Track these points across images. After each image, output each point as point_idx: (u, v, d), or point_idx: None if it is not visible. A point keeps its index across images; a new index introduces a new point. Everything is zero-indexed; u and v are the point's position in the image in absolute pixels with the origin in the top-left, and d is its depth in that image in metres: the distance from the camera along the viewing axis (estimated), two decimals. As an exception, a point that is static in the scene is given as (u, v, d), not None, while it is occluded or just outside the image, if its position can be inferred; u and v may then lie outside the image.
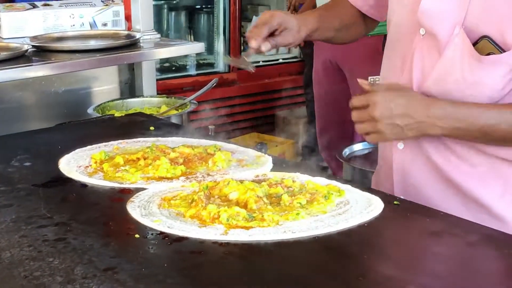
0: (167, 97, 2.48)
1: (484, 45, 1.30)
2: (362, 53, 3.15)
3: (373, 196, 1.32)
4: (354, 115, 1.39)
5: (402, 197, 1.39)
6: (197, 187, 1.37)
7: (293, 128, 5.20)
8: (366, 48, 3.02)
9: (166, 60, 5.01)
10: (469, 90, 1.32)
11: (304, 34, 1.61)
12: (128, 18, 2.56)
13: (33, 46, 2.17)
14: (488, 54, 1.30)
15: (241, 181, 1.36)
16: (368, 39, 3.07)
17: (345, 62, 3.42)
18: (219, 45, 5.29)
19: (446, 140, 1.39)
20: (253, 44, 1.55)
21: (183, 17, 5.42)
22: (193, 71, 5.22)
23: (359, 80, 1.41)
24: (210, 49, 5.22)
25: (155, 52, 2.32)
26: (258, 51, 1.56)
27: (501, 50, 1.29)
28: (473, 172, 1.38)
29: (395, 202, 1.29)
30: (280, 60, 5.86)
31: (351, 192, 1.34)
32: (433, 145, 1.41)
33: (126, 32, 2.43)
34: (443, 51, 1.34)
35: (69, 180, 1.44)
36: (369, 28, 1.76)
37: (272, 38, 1.56)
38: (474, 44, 1.31)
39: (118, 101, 2.38)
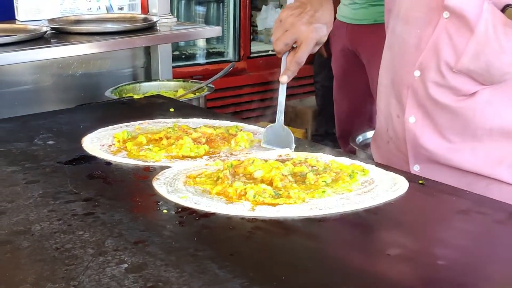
0: (184, 81, 2.48)
1: (510, 12, 1.35)
2: (379, 40, 3.14)
3: (398, 175, 1.32)
4: None
5: (417, 166, 1.46)
6: (221, 166, 1.37)
7: (303, 117, 5.21)
8: (383, 35, 3.02)
9: (176, 48, 5.01)
10: (508, 57, 1.37)
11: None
12: (143, 3, 2.57)
13: (52, 28, 2.18)
14: None
15: (265, 160, 1.37)
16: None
17: (362, 49, 3.42)
18: (229, 34, 5.29)
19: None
20: (285, 80, 1.54)
21: (193, 5, 5.42)
22: (202, 60, 5.23)
23: None
24: (220, 37, 5.22)
25: (173, 35, 2.32)
26: None
27: None
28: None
29: (420, 182, 1.30)
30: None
31: (376, 172, 1.35)
32: (443, 119, 1.47)
33: (143, 16, 2.43)
34: (474, 28, 1.37)
35: (93, 158, 1.45)
36: None
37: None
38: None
39: (135, 85, 2.39)
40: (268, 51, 5.70)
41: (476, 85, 1.44)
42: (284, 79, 1.53)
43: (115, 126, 1.66)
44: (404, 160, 1.55)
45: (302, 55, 1.50)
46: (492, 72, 1.40)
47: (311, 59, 5.32)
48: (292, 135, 1.52)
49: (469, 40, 1.39)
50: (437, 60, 1.46)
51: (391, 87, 1.61)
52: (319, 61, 4.51)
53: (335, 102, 3.76)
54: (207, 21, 5.40)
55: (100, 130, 1.62)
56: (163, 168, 1.38)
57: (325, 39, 1.54)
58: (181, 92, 2.39)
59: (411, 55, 1.52)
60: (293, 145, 1.51)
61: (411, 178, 1.31)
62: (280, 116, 1.53)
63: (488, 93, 1.43)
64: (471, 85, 1.44)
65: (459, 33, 1.40)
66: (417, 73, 1.51)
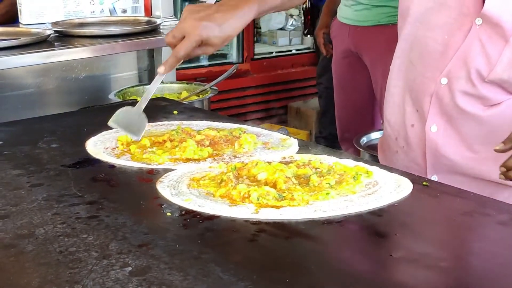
0: (187, 83, 2.49)
1: None
2: (382, 42, 3.14)
3: (402, 177, 1.32)
4: None
5: (435, 176, 1.45)
6: (225, 168, 1.37)
7: (306, 118, 5.21)
8: (386, 36, 3.01)
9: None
10: None
11: (232, 38, 1.57)
12: (146, 5, 2.57)
13: (55, 32, 2.18)
14: None
15: (269, 163, 1.37)
16: (388, 28, 3.06)
17: (365, 51, 3.41)
18: (233, 36, 5.28)
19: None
20: (162, 70, 1.54)
21: (196, 7, 5.41)
22: (206, 62, 5.23)
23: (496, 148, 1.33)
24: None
25: (176, 38, 2.32)
26: None
27: None
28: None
29: (424, 183, 1.29)
30: (293, 51, 5.87)
31: (379, 173, 1.35)
32: (468, 128, 1.45)
33: (147, 18, 2.44)
34: (509, 37, 1.37)
35: (97, 161, 1.45)
36: None
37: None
38: None
39: (138, 87, 2.39)
40: (272, 52, 5.71)
41: (506, 94, 1.43)
42: (160, 69, 1.52)
43: (119, 128, 1.66)
44: (418, 170, 1.53)
45: (180, 49, 1.48)
46: None
47: (315, 60, 5.32)
48: (145, 125, 1.50)
49: (503, 48, 1.38)
50: (467, 69, 1.44)
51: (405, 94, 1.57)
52: (322, 63, 4.51)
53: (336, 105, 3.75)
54: (210, 23, 5.39)
55: (104, 133, 1.62)
56: (166, 171, 1.38)
57: (215, 40, 1.49)
58: (184, 94, 2.39)
59: (435, 61, 1.49)
60: (140, 135, 1.48)
61: (415, 179, 1.31)
62: (142, 104, 1.53)
63: None
64: (501, 95, 1.44)
65: (492, 41, 1.39)
66: (444, 81, 1.48)
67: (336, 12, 3.59)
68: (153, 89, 1.54)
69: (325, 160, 1.42)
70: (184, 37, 1.48)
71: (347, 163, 1.40)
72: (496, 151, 1.29)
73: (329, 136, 4.49)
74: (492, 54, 1.40)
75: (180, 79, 2.78)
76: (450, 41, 1.45)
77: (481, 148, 1.47)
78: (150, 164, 1.42)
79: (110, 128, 1.65)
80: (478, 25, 1.40)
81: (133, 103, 1.97)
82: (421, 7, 1.51)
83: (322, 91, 4.68)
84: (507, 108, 1.44)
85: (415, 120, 1.55)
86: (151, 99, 1.99)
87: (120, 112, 1.52)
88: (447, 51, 1.46)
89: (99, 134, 1.61)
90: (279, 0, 1.60)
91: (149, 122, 1.70)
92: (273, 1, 1.59)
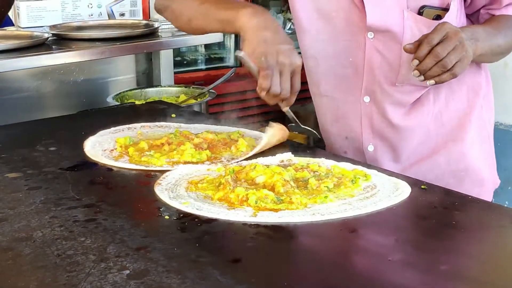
0: (185, 87, 2.48)
1: (428, 12, 1.46)
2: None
3: (400, 180, 1.32)
4: (440, 52, 1.35)
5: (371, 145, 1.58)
6: (223, 171, 1.37)
7: (305, 122, 5.21)
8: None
9: (178, 54, 5.02)
10: None
11: None
12: (144, 9, 2.57)
13: (53, 35, 2.18)
14: (436, 18, 1.45)
15: (267, 166, 1.36)
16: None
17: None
18: (231, 39, 5.29)
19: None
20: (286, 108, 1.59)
21: (194, 11, 5.41)
22: (204, 65, 5.22)
23: (406, 47, 1.40)
24: (221, 43, 5.22)
25: (174, 41, 2.32)
26: None
27: (443, 9, 1.46)
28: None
29: (422, 187, 1.29)
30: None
31: (378, 177, 1.35)
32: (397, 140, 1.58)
33: (145, 22, 2.43)
34: (401, 38, 1.46)
35: (95, 163, 1.45)
36: None
37: None
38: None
39: (136, 91, 2.39)
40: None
41: (421, 89, 1.52)
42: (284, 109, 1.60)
43: (117, 128, 1.66)
44: None
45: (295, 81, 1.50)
46: None
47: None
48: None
49: (400, 51, 1.46)
50: (377, 80, 1.52)
51: (336, 125, 1.65)
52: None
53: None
54: (208, 27, 5.39)
55: (101, 132, 1.62)
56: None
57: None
58: (182, 98, 2.39)
59: (352, 83, 1.56)
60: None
61: (413, 183, 1.31)
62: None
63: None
64: (417, 91, 1.53)
65: (388, 47, 1.48)
66: (366, 99, 1.56)
67: None
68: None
69: (323, 163, 1.42)
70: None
71: (346, 166, 1.39)
72: (405, 49, 1.39)
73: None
74: (393, 60, 1.49)
75: (178, 82, 2.78)
76: (355, 61, 1.53)
77: (407, 158, 1.58)
78: (148, 167, 1.42)
79: (108, 128, 1.65)
80: (371, 38, 1.49)
81: (133, 106, 1.98)
82: (312, 41, 1.57)
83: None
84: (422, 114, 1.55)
85: (350, 146, 1.64)
86: (149, 102, 1.99)
87: None
88: (357, 71, 1.54)
89: (97, 134, 1.61)
90: None
91: (146, 125, 1.71)
92: None
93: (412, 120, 1.56)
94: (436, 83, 1.38)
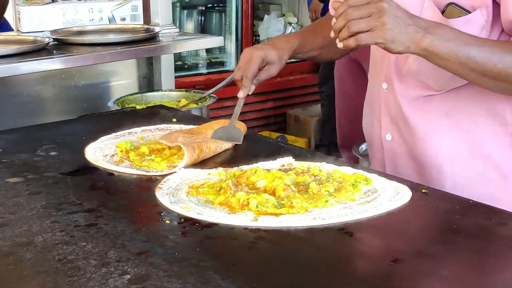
0: (186, 91, 2.48)
1: (451, 11, 1.39)
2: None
3: (401, 184, 1.32)
4: (350, 13, 1.31)
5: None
6: (223, 176, 1.37)
7: (305, 126, 5.20)
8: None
9: (178, 58, 5.02)
10: None
11: (286, 59, 1.67)
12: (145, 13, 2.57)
13: (54, 40, 2.18)
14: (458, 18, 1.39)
15: (268, 170, 1.36)
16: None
17: (366, 59, 3.42)
18: (231, 44, 5.30)
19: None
20: (241, 95, 1.64)
21: (195, 15, 5.43)
22: (205, 70, 5.23)
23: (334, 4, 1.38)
24: (222, 47, 5.23)
25: (175, 45, 2.32)
26: None
27: (468, 12, 1.37)
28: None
29: (423, 191, 1.29)
30: (292, 59, 5.87)
31: (378, 181, 1.35)
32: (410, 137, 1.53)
33: (145, 26, 2.44)
34: None
35: (96, 168, 1.45)
36: None
37: (256, 77, 1.63)
38: (442, 12, 1.39)
39: (137, 95, 2.39)
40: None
41: (424, 86, 1.48)
42: (239, 94, 1.65)
43: (118, 133, 1.67)
44: None
45: (248, 70, 1.62)
46: (435, 74, 1.43)
47: (314, 68, 5.32)
48: (242, 133, 1.63)
49: None
50: (393, 67, 1.51)
51: (367, 109, 1.67)
52: (324, 71, 4.51)
53: (336, 110, 3.76)
54: (209, 31, 5.40)
55: (102, 138, 1.62)
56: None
57: (273, 57, 1.63)
58: (183, 102, 2.39)
59: (378, 68, 1.56)
60: (241, 140, 1.60)
61: (414, 187, 1.31)
62: (233, 119, 1.65)
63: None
64: (420, 88, 1.49)
65: None
66: (384, 85, 1.55)
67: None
68: (238, 110, 1.67)
69: (324, 167, 1.42)
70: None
71: (346, 170, 1.39)
72: (333, 7, 1.36)
73: (330, 144, 4.48)
74: None
75: (179, 87, 2.78)
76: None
77: (424, 160, 1.52)
78: (149, 172, 1.42)
79: (108, 134, 1.66)
80: None
81: (133, 111, 1.98)
82: None
83: (324, 100, 4.68)
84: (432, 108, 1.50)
85: (374, 133, 1.64)
86: (150, 107, 2.00)
87: (218, 129, 1.62)
88: (383, 56, 1.53)
89: (98, 140, 1.61)
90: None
91: (147, 129, 1.71)
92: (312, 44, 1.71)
93: (425, 123, 1.51)
94: (344, 46, 1.33)
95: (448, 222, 1.18)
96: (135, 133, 1.68)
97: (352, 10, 1.30)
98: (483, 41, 1.35)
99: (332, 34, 1.35)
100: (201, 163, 1.47)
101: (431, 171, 1.51)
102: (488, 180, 1.48)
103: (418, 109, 1.51)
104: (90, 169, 1.45)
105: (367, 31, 1.29)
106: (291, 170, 1.40)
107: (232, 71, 5.54)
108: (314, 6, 4.96)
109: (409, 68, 1.48)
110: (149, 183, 1.36)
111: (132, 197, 1.31)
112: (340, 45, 1.33)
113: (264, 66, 1.63)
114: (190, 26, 5.40)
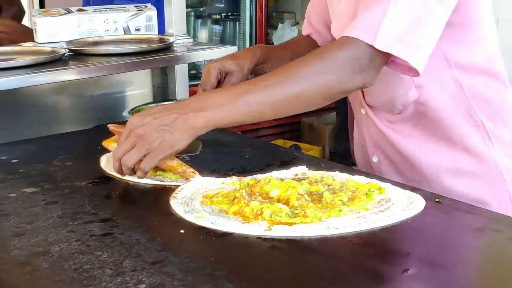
0: (200, 101, 2.49)
1: None
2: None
3: (414, 193, 1.32)
4: (116, 153, 1.36)
5: None
6: (237, 185, 1.38)
7: (319, 134, 5.20)
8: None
9: (192, 67, 5.04)
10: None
11: (249, 67, 1.65)
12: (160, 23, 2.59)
13: (70, 50, 2.20)
14: None
15: (281, 179, 1.37)
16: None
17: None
18: (245, 52, 5.31)
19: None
20: None
21: (209, 24, 5.46)
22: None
23: (110, 128, 1.45)
24: (236, 56, 5.24)
25: (189, 55, 2.34)
26: None
27: None
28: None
29: (436, 200, 1.29)
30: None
31: (392, 190, 1.35)
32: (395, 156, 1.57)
33: (160, 36, 2.45)
34: None
35: (111, 178, 1.46)
36: None
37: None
38: None
39: (152, 105, 2.40)
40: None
41: (392, 112, 1.53)
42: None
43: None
44: None
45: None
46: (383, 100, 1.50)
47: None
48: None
49: None
50: (364, 95, 1.57)
51: (355, 132, 1.71)
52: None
53: (349, 119, 3.76)
54: (223, 40, 5.43)
55: (117, 149, 1.63)
56: (180, 188, 1.39)
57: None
58: (197, 111, 2.40)
59: (354, 93, 1.60)
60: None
61: (428, 196, 1.31)
62: None
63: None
64: (390, 112, 1.53)
65: None
66: (363, 111, 1.59)
67: None
68: None
69: (337, 176, 1.42)
70: None
71: (360, 179, 1.40)
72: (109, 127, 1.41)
73: (344, 153, 4.48)
74: None
75: (192, 94, 2.79)
76: None
77: (410, 174, 1.55)
78: (164, 181, 1.43)
79: None
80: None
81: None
82: None
83: (339, 108, 4.68)
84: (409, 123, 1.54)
85: (364, 155, 1.67)
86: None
87: None
88: None
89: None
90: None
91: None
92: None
93: (407, 142, 1.55)
94: (140, 178, 1.37)
95: (462, 232, 1.18)
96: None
97: (117, 149, 1.35)
98: (257, 80, 1.34)
99: (119, 176, 1.39)
100: (215, 172, 1.48)
101: (421, 186, 1.53)
102: (480, 185, 1.51)
103: (396, 130, 1.55)
104: (105, 179, 1.46)
105: (147, 154, 1.32)
106: (304, 179, 1.40)
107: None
108: None
109: (368, 97, 1.54)
110: (164, 192, 1.37)
111: (147, 207, 1.32)
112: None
113: (225, 77, 1.63)
114: (204, 35, 5.43)
